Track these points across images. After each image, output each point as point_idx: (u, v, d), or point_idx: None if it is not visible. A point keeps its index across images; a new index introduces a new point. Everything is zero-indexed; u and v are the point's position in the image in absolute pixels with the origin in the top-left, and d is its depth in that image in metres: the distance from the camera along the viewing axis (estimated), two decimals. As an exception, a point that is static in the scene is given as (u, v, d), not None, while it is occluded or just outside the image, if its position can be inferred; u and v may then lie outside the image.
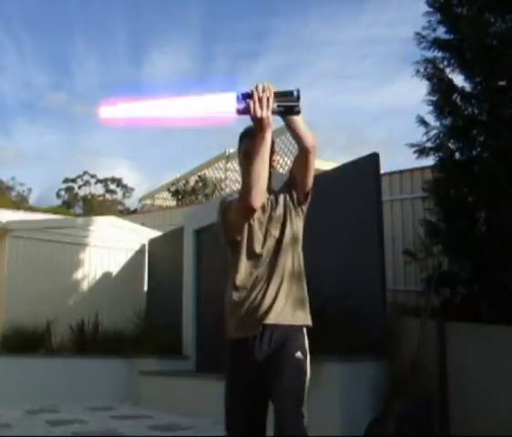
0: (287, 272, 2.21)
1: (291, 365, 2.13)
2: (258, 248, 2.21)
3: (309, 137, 2.05)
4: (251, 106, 1.78)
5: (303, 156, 2.12)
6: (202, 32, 69.76)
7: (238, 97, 1.77)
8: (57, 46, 64.64)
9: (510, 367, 4.17)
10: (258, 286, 2.19)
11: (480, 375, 4.31)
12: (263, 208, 2.22)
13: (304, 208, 2.28)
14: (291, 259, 2.22)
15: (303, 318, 2.22)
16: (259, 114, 1.80)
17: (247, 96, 1.78)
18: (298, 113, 1.86)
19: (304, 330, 2.22)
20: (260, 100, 1.79)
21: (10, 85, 59.70)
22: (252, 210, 2.05)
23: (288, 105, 1.84)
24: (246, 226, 2.21)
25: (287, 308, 2.18)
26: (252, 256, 2.22)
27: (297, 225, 2.26)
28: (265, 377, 2.17)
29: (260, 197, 2.00)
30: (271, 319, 2.15)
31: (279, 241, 2.21)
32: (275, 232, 2.22)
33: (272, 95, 1.80)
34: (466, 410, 4.35)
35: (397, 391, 4.42)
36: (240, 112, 1.78)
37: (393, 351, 4.69)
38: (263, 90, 1.79)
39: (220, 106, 1.76)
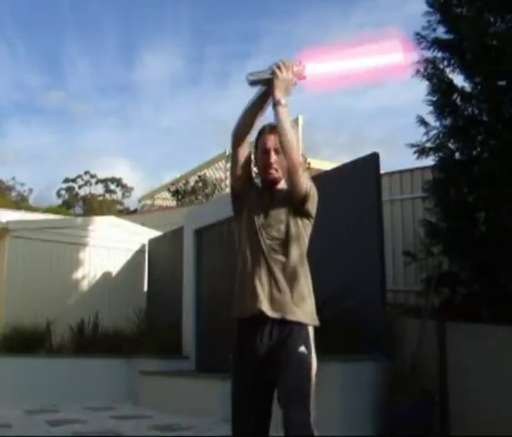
0: (290, 265, 2.24)
1: (294, 361, 2.13)
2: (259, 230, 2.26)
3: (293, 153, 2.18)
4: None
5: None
6: (193, 33, 69.90)
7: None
8: (49, 48, 64.80)
9: (510, 367, 4.17)
10: (258, 272, 2.22)
11: (480, 375, 4.31)
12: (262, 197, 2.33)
13: (307, 212, 2.29)
14: (295, 253, 2.25)
15: (306, 313, 2.23)
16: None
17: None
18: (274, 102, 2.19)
19: (308, 325, 2.23)
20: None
21: (3, 85, 59.68)
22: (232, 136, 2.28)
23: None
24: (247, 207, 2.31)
25: (289, 301, 2.19)
26: (255, 239, 2.26)
27: (299, 225, 2.28)
28: (269, 371, 2.17)
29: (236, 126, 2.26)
30: (273, 312, 2.17)
31: (281, 235, 2.26)
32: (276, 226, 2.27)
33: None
34: (466, 410, 4.35)
35: (397, 391, 4.42)
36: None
37: (393, 351, 4.69)
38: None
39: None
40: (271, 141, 2.30)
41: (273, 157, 2.29)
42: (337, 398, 4.53)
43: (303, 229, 2.28)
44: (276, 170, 2.30)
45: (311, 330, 2.23)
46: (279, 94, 2.14)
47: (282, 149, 2.19)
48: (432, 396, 4.44)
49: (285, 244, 2.24)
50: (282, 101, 2.15)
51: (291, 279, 2.22)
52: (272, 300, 2.19)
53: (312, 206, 2.29)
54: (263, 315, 2.17)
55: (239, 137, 2.29)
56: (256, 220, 2.28)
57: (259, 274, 2.21)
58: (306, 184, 2.23)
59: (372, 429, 4.50)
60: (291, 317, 2.17)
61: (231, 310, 2.31)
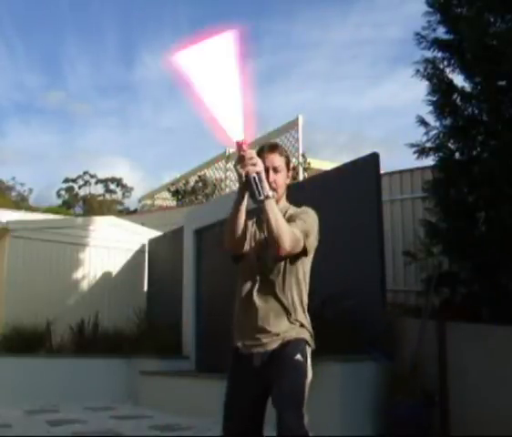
0: (290, 298, 2.26)
1: (290, 367, 2.17)
2: (256, 268, 2.29)
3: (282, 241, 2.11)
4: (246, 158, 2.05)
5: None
6: (192, 33, 69.91)
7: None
8: (49, 48, 64.87)
9: (510, 367, 4.17)
10: (259, 305, 2.24)
11: (480, 375, 4.31)
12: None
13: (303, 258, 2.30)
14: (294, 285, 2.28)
15: (303, 334, 2.26)
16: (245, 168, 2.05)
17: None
18: (258, 201, 2.09)
19: (305, 341, 2.26)
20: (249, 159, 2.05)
21: (3, 85, 59.68)
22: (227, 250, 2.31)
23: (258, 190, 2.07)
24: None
25: (287, 328, 2.23)
26: (252, 274, 2.30)
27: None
28: (265, 380, 2.20)
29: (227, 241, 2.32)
30: (273, 343, 2.22)
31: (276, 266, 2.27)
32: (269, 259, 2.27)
33: (257, 168, 2.05)
34: (466, 410, 4.35)
35: (397, 391, 4.42)
36: (237, 144, 2.06)
37: (393, 351, 4.69)
38: (253, 158, 2.05)
39: (229, 125, 2.03)
40: (270, 160, 2.31)
41: (272, 177, 2.29)
42: (337, 398, 4.53)
43: (298, 264, 2.29)
44: (275, 189, 2.29)
45: (308, 348, 2.26)
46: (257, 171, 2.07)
47: (272, 243, 2.14)
48: (432, 396, 4.44)
49: (277, 278, 2.26)
50: (270, 193, 2.10)
51: (281, 312, 2.25)
52: (260, 335, 2.23)
53: (313, 242, 2.31)
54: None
55: (235, 241, 2.31)
56: (251, 254, 2.32)
57: (249, 307, 2.26)
58: (299, 245, 2.21)
59: (372, 429, 4.50)
60: (280, 341, 2.21)
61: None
